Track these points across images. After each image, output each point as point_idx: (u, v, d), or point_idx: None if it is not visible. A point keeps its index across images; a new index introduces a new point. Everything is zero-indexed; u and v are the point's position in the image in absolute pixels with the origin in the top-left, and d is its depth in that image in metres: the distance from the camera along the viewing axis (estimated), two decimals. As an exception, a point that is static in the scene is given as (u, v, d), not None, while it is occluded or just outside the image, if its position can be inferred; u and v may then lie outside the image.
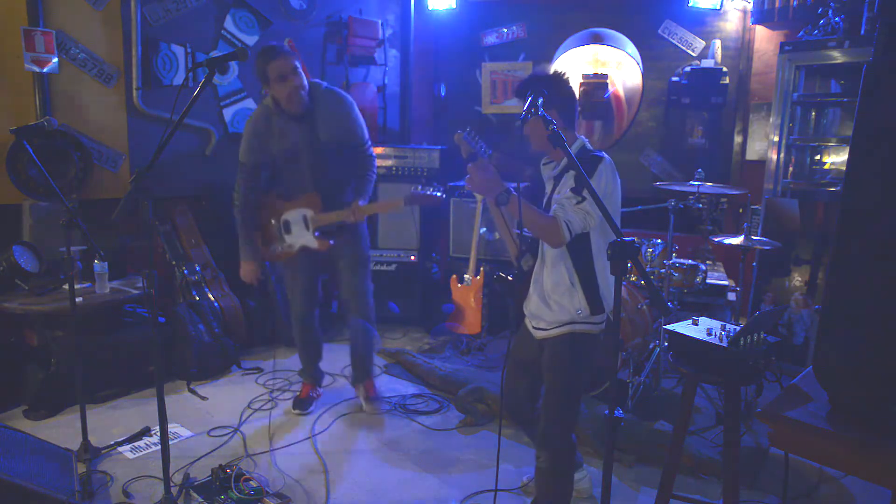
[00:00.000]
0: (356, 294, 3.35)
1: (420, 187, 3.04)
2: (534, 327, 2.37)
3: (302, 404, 3.46)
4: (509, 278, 2.41)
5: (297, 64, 2.98)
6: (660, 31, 4.88)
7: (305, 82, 3.01)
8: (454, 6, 5.40)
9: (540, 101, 2.01)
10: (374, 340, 3.48)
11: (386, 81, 5.41)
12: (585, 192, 2.09)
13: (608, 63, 5.01)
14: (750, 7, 4.55)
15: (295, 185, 3.18)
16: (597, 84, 4.85)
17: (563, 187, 2.21)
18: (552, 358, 2.30)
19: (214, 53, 4.19)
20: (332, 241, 3.18)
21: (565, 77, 2.28)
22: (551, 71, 2.27)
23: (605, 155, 2.21)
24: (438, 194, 3.03)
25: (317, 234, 3.18)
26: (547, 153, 2.38)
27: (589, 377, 2.39)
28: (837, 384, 1.55)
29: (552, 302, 2.26)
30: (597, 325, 2.27)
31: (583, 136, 2.29)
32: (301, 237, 3.21)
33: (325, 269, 3.47)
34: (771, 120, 4.29)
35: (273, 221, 3.25)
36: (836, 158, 4.36)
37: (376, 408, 3.43)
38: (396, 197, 3.16)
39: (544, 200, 2.38)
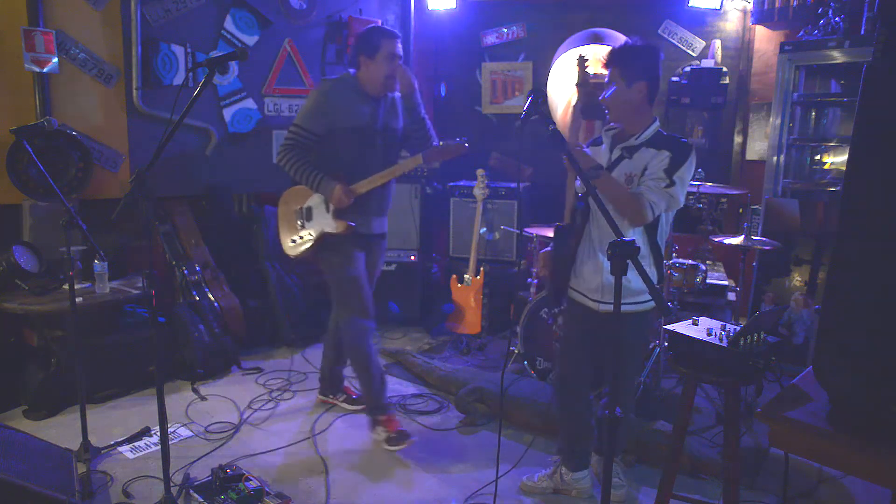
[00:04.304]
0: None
1: (442, 142, 2.98)
2: (598, 301, 2.40)
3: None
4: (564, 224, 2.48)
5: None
6: (660, 31, 4.88)
7: None
8: (454, 6, 5.39)
9: (539, 100, 2.02)
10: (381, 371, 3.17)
11: (386, 81, 5.40)
12: (676, 177, 2.17)
13: (608, 63, 5.01)
14: (750, 7, 4.55)
15: (359, 167, 3.01)
16: (597, 84, 4.84)
17: (650, 164, 2.24)
18: (630, 334, 2.40)
19: (214, 53, 4.18)
20: (351, 223, 2.97)
21: (658, 53, 2.33)
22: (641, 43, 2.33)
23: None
24: (458, 141, 2.97)
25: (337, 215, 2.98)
26: (621, 125, 2.42)
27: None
28: (837, 384, 1.55)
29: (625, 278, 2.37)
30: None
31: (656, 118, 2.34)
32: (320, 222, 3.04)
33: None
34: (771, 120, 4.29)
35: (297, 207, 3.13)
36: (836, 158, 4.35)
37: (405, 442, 3.02)
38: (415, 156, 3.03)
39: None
